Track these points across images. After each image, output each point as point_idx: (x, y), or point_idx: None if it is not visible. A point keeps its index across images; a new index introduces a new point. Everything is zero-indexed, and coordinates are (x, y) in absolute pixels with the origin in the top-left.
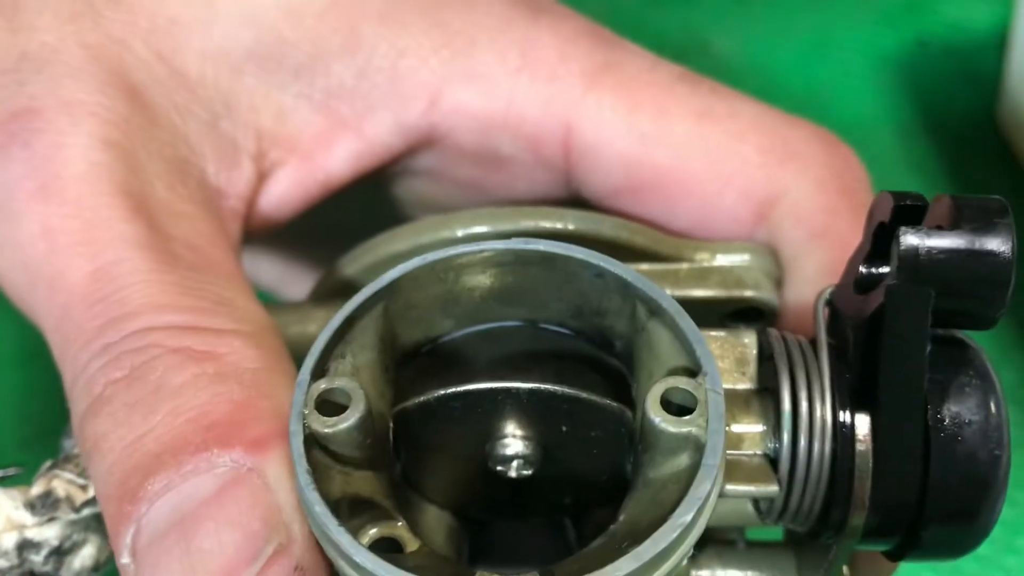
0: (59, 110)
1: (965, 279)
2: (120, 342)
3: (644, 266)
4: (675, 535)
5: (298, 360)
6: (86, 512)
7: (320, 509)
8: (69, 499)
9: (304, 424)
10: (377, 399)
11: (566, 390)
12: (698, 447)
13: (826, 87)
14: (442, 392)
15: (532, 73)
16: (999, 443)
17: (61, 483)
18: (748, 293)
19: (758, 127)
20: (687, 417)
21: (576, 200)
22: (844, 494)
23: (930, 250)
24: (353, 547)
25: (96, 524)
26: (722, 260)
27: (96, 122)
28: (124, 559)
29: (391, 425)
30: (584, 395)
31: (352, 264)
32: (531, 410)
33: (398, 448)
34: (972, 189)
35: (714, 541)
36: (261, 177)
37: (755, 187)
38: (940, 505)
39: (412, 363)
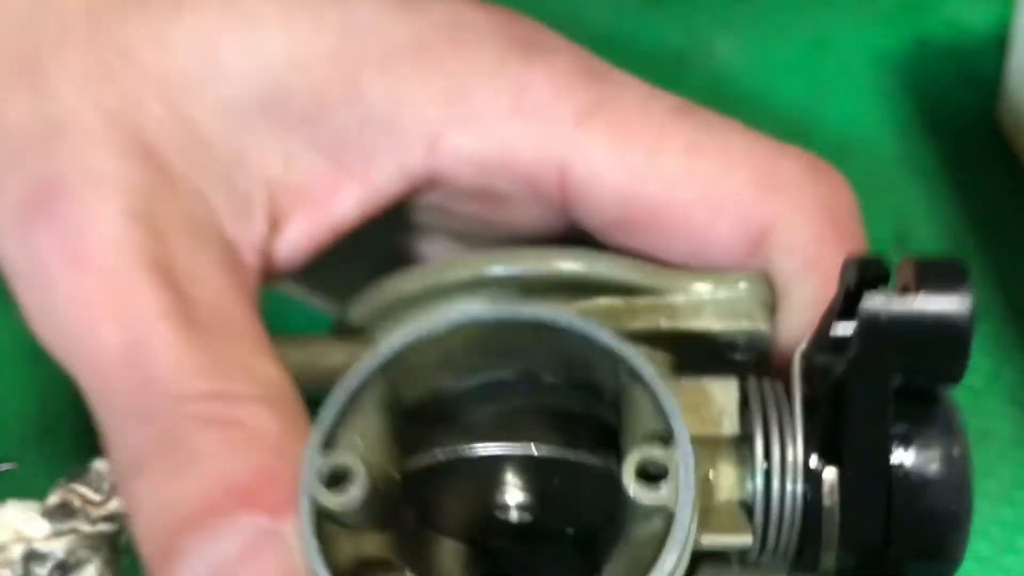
0: (84, 182)
1: (926, 342)
2: (151, 410)
3: (642, 300)
4: None
5: (318, 389)
6: (101, 527)
7: (322, 572)
8: (85, 512)
9: (313, 498)
10: (385, 461)
11: (554, 455)
12: (669, 516)
13: (826, 87)
14: (444, 459)
15: (525, 115)
16: (959, 499)
17: (76, 497)
18: (742, 325)
19: (749, 159)
20: (658, 490)
21: (576, 230)
22: (816, 535)
23: (891, 314)
24: None
25: (102, 545)
26: (717, 291)
27: (119, 193)
28: None
29: (400, 481)
30: (573, 458)
31: (364, 305)
32: (526, 469)
33: (410, 497)
34: (972, 188)
35: (710, 561)
36: (274, 227)
37: (747, 218)
38: (905, 553)
39: (417, 417)
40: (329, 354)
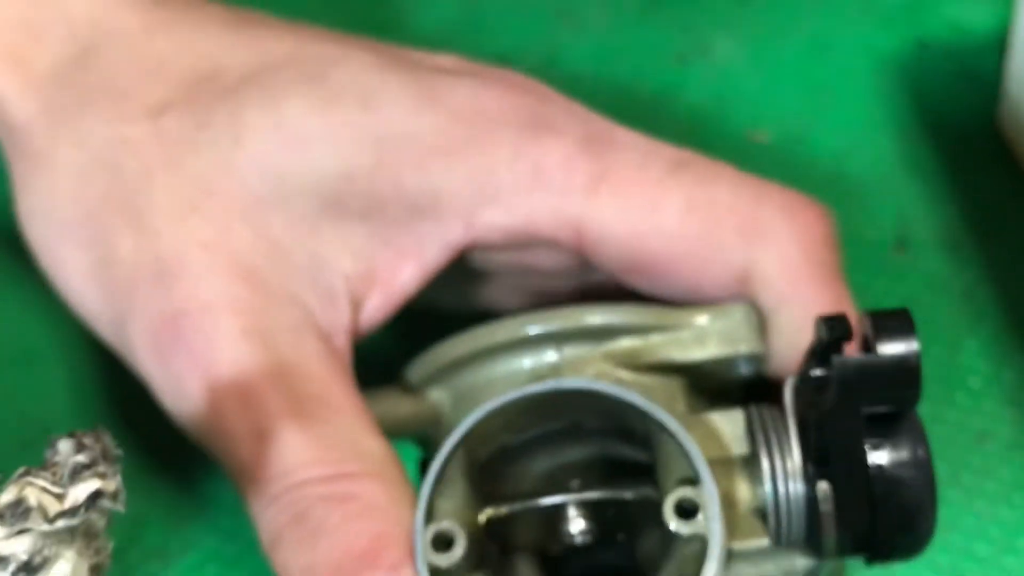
0: (201, 312)
1: (885, 384)
2: (282, 494)
3: (656, 337)
4: None
5: (391, 435)
6: (60, 524)
7: None
8: (42, 509)
9: (427, 561)
10: (471, 513)
11: (607, 495)
12: (704, 540)
13: (826, 88)
14: (517, 507)
15: (543, 190)
16: (926, 489)
17: (34, 491)
18: (740, 349)
19: (734, 210)
20: (693, 521)
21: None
22: (818, 527)
23: (857, 364)
24: None
25: (71, 538)
26: (717, 322)
27: (231, 316)
28: None
29: (483, 525)
30: (622, 495)
31: (421, 368)
32: (584, 507)
33: (492, 536)
34: (972, 190)
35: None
36: (355, 310)
37: (732, 263)
38: (888, 535)
39: (488, 469)
40: (398, 408)
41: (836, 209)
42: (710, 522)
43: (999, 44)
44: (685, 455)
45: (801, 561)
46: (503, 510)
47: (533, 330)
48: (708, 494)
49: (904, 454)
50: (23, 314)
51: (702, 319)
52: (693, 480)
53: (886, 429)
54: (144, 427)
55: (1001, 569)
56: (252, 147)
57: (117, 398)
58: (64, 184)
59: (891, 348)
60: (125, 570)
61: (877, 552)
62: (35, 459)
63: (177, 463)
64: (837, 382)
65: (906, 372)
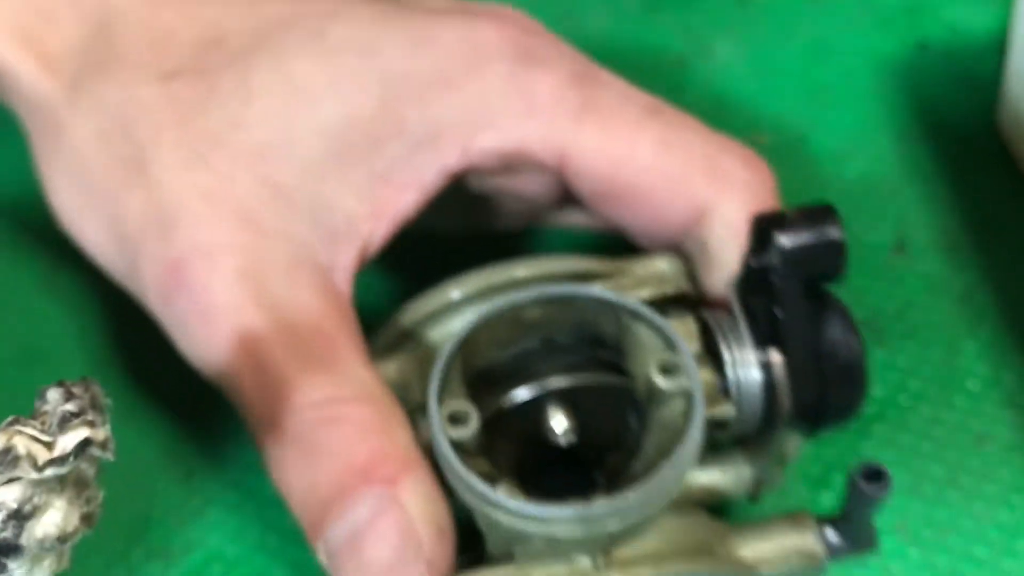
0: (200, 257)
1: (819, 256)
2: (283, 419)
3: (599, 284)
4: (692, 446)
5: None
6: (49, 472)
7: (475, 481)
8: (31, 457)
9: (445, 434)
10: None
11: (587, 381)
12: (686, 394)
13: (826, 91)
14: (509, 405)
15: (534, 117)
16: (856, 351)
17: (23, 439)
18: (666, 289)
19: (701, 154)
20: (677, 379)
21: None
22: (773, 403)
23: (794, 243)
24: (515, 504)
25: (60, 486)
26: (648, 268)
27: (228, 258)
28: (323, 560)
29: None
30: (601, 380)
31: (408, 316)
32: (569, 398)
33: (488, 438)
34: (972, 193)
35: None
36: (359, 246)
37: (696, 200)
38: (834, 390)
39: (479, 383)
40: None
41: None
42: (691, 378)
43: (998, 46)
44: (657, 331)
45: (745, 470)
46: (493, 410)
47: (458, 293)
48: (685, 353)
49: (836, 325)
50: (23, 314)
51: (637, 267)
52: (670, 348)
53: (817, 312)
54: (146, 426)
55: (1000, 572)
56: (261, 105)
57: (118, 396)
58: (83, 149)
59: (820, 233)
60: (128, 570)
61: (820, 417)
62: None
63: (179, 463)
64: (782, 258)
65: (834, 246)
